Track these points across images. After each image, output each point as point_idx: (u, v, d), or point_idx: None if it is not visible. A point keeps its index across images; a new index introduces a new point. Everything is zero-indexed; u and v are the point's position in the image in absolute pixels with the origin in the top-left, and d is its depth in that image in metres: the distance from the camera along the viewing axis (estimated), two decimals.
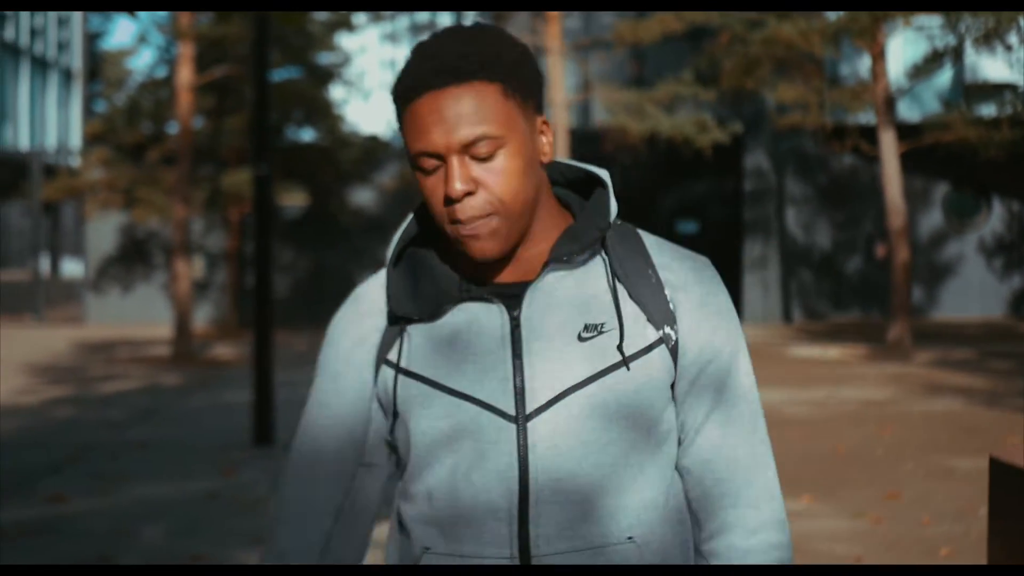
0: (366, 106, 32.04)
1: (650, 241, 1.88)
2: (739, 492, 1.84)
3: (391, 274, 1.88)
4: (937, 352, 17.95)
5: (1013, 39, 18.17)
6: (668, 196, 25.86)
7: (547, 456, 1.75)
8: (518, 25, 23.41)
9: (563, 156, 20.45)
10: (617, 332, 1.79)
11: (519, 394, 1.77)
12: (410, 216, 1.93)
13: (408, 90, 1.77)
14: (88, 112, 37.21)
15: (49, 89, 34.76)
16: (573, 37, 23.74)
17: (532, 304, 1.80)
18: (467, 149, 1.73)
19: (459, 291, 1.82)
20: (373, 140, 24.60)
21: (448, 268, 1.86)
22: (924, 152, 20.45)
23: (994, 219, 25.02)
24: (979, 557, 6.68)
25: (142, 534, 7.28)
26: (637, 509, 1.79)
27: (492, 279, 1.84)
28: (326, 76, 24.89)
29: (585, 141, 24.04)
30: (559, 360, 1.77)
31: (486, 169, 1.74)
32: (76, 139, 35.38)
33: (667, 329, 1.81)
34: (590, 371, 1.77)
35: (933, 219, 24.99)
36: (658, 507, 1.81)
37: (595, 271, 1.83)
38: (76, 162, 27.74)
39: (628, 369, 1.78)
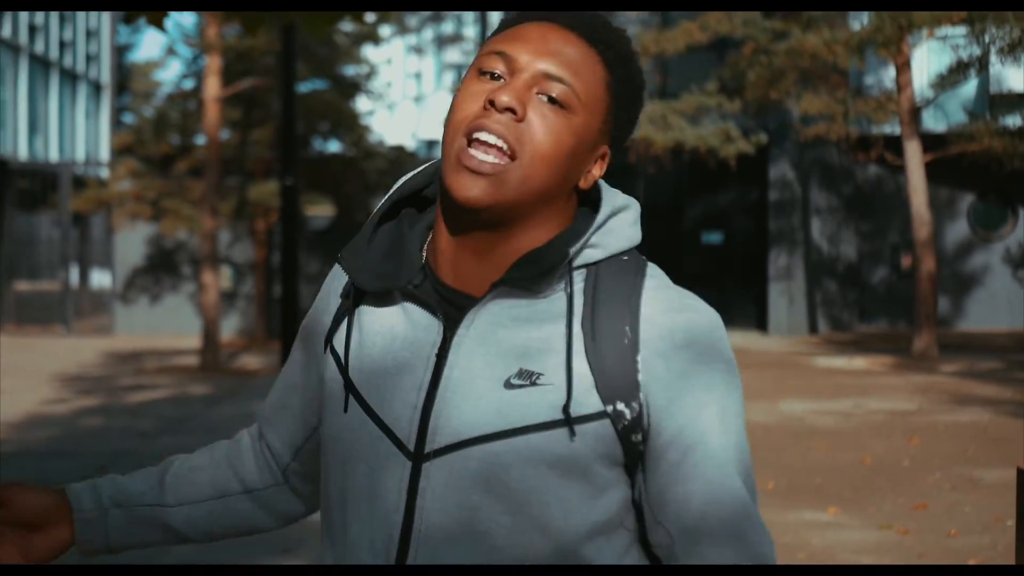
0: (392, 117, 32.14)
1: (651, 284, 1.55)
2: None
3: (366, 237, 1.61)
4: (963, 363, 17.89)
5: None
6: (693, 207, 25.86)
7: (434, 508, 1.50)
8: None
9: None
10: (554, 388, 1.48)
11: (423, 428, 1.51)
12: (416, 171, 1.66)
13: (528, 15, 1.56)
14: (116, 124, 37.46)
15: (78, 101, 35.00)
16: None
17: (470, 328, 1.52)
18: (543, 82, 1.50)
19: (410, 283, 1.56)
20: (399, 151, 24.71)
21: (418, 249, 1.60)
22: (949, 162, 20.41)
23: (1020, 229, 24.91)
24: None
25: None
26: None
27: (456, 279, 1.56)
28: (352, 88, 25.03)
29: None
30: (474, 402, 1.49)
31: (542, 112, 1.49)
32: (105, 151, 35.59)
33: (619, 405, 1.49)
34: (502, 425, 1.48)
35: (959, 229, 24.91)
36: None
37: (558, 307, 1.52)
38: (105, 174, 27.92)
39: (574, 434, 1.48)
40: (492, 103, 1.48)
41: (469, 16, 28.17)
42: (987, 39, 17.96)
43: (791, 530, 7.59)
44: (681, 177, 24.93)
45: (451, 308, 1.55)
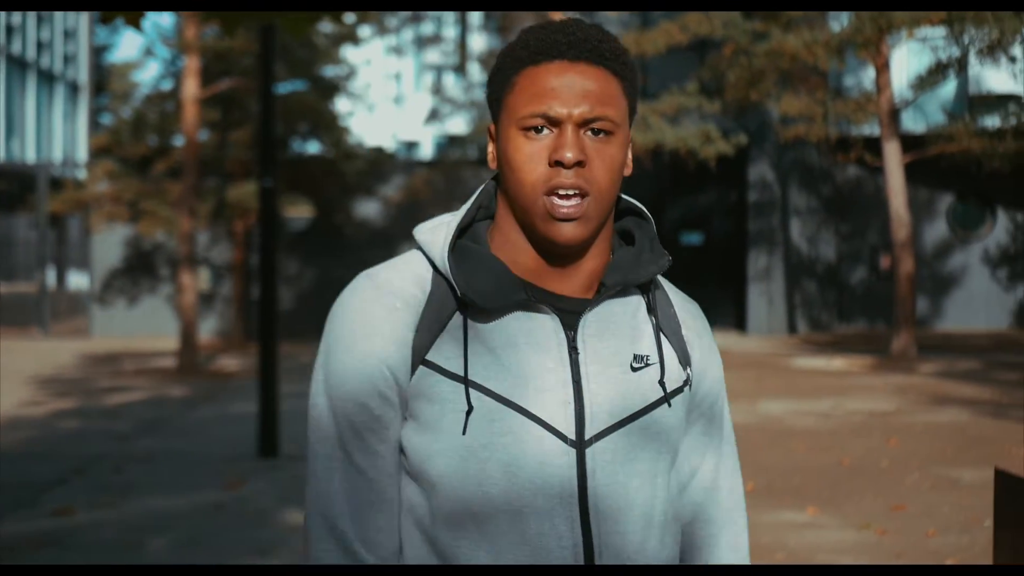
0: (371, 118, 32.03)
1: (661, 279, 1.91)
2: (730, 520, 1.95)
3: (449, 258, 1.75)
4: (942, 363, 17.93)
5: (1017, 50, 18.20)
6: (673, 208, 25.89)
7: (606, 484, 1.73)
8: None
9: None
10: (658, 367, 1.80)
11: (579, 418, 1.72)
12: (473, 198, 1.83)
13: (535, 53, 1.74)
14: (94, 125, 37.28)
15: (56, 102, 34.82)
16: None
17: (587, 326, 1.76)
18: (588, 124, 1.71)
19: (523, 295, 1.73)
20: (378, 152, 24.64)
21: (504, 266, 1.76)
22: (928, 163, 20.48)
23: (998, 230, 25.02)
24: None
25: (148, 546, 7.29)
26: (671, 544, 1.84)
27: (545, 287, 1.77)
28: (331, 89, 24.95)
29: None
30: (615, 388, 1.75)
31: (596, 150, 1.72)
32: (82, 152, 35.44)
33: (688, 370, 1.85)
34: (642, 403, 1.77)
35: (938, 230, 24.99)
36: (679, 541, 1.90)
37: (636, 300, 1.82)
38: (82, 175, 27.80)
39: (670, 406, 1.80)
40: (560, 163, 1.69)
41: (449, 17, 28.11)
42: (966, 40, 18.01)
43: (770, 530, 7.58)
44: (661, 178, 24.94)
45: (559, 312, 1.76)
